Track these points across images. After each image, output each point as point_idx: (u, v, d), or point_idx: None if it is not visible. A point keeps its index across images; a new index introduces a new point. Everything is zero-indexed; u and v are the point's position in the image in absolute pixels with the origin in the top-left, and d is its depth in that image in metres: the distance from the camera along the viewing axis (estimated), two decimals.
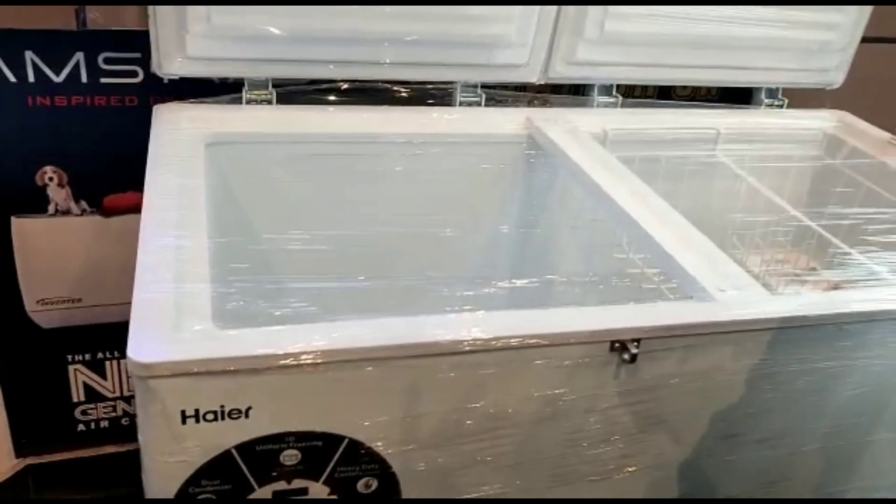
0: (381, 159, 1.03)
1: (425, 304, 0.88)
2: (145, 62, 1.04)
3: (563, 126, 1.09)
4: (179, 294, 0.63)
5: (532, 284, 0.86)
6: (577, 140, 1.06)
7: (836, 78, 1.25)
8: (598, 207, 0.97)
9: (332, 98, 1.06)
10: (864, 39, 1.23)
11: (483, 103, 1.12)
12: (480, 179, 1.09)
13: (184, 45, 0.96)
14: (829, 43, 1.19)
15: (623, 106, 1.19)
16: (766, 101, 1.25)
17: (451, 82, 1.11)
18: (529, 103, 1.15)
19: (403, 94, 1.09)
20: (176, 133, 0.95)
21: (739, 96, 1.29)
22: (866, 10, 1.19)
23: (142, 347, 0.58)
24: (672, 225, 0.87)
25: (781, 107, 1.25)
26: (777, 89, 1.25)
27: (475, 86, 1.12)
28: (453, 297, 0.74)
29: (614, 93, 1.18)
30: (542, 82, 1.13)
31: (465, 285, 0.79)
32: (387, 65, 1.05)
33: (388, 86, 1.08)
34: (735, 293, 0.72)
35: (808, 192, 1.22)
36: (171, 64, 0.98)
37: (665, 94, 1.28)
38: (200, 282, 0.65)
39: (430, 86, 1.10)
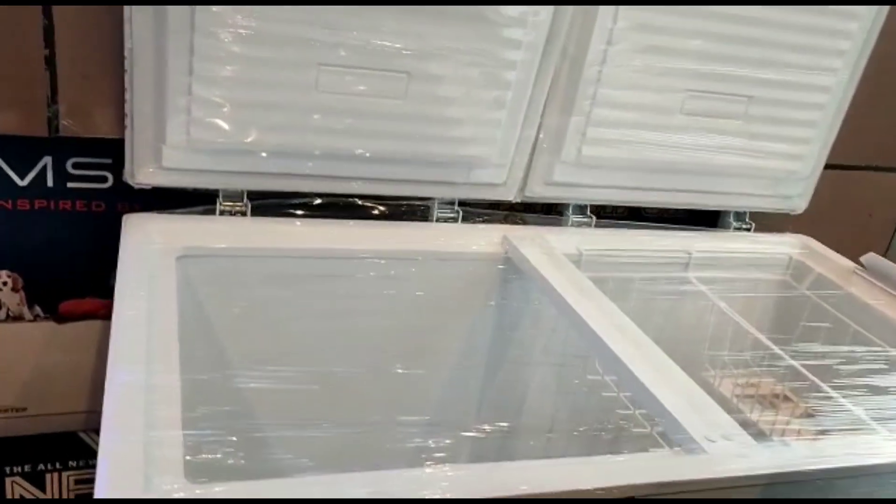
0: (357, 278, 1.00)
1: (395, 448, 0.86)
2: (115, 167, 1.01)
3: (538, 245, 1.08)
4: (150, 443, 0.59)
5: (500, 428, 0.84)
6: (552, 260, 1.05)
7: (800, 204, 1.28)
8: (573, 334, 0.96)
9: (306, 212, 1.04)
10: (827, 166, 1.28)
11: (460, 220, 1.12)
12: (456, 297, 1.08)
13: (159, 155, 0.94)
14: (795, 172, 1.23)
15: (596, 226, 1.19)
16: (735, 223, 1.27)
17: (428, 198, 1.10)
18: (505, 220, 1.15)
19: (380, 210, 1.08)
20: (146, 246, 0.91)
21: (706, 216, 1.32)
22: (830, 139, 1.24)
23: None
24: (652, 359, 0.86)
25: (749, 230, 1.28)
26: (745, 213, 1.28)
27: (452, 202, 1.11)
28: (425, 445, 0.71)
29: (588, 213, 1.19)
30: (518, 201, 1.14)
31: (436, 427, 0.76)
32: (364, 180, 1.04)
33: (365, 201, 1.07)
34: (724, 444, 0.71)
35: (776, 318, 1.23)
36: (144, 174, 0.95)
37: (635, 212, 1.30)
38: (172, 429, 0.61)
39: (406, 202, 1.09)
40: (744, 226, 1.28)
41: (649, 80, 1.07)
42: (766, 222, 1.29)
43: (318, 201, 1.04)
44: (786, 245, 1.26)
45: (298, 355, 0.92)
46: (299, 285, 0.99)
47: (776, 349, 1.10)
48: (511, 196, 1.12)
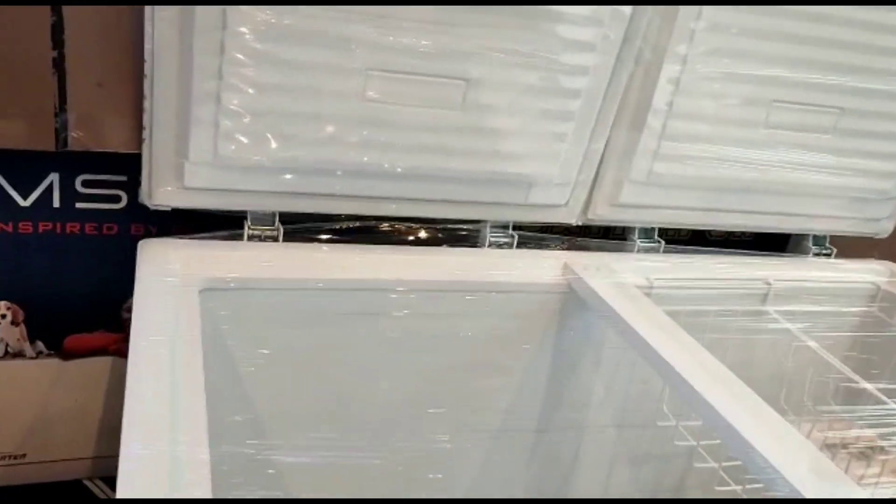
0: (400, 314, 0.88)
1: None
2: (130, 186, 0.90)
3: (605, 275, 0.96)
4: None
5: None
6: (623, 292, 0.93)
7: (887, 227, 1.16)
8: (648, 370, 0.84)
9: (342, 237, 0.92)
10: None
11: (515, 245, 0.99)
12: (511, 335, 0.95)
13: (181, 173, 0.82)
14: (885, 192, 1.10)
15: (664, 251, 1.07)
16: (814, 248, 1.15)
17: (478, 221, 0.98)
18: (564, 246, 1.03)
19: (424, 234, 0.96)
20: (165, 277, 0.79)
21: (775, 239, 1.19)
22: None
23: None
24: (747, 403, 0.74)
25: (829, 255, 1.15)
26: (825, 237, 1.15)
27: (506, 226, 0.99)
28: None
29: (656, 237, 1.07)
30: (581, 223, 1.01)
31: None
32: (409, 201, 0.92)
33: (409, 225, 0.95)
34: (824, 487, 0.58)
35: (865, 355, 1.10)
36: (163, 194, 0.83)
37: (698, 234, 1.17)
38: None
39: (454, 225, 0.97)
40: (824, 251, 1.15)
41: (732, 89, 0.95)
42: (848, 247, 1.16)
43: (357, 224, 0.92)
44: (872, 273, 1.13)
45: (337, 413, 0.81)
46: (338, 324, 0.86)
47: (869, 388, 0.97)
48: (573, 219, 1.00)
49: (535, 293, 0.95)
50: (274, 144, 0.81)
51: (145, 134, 0.80)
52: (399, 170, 0.88)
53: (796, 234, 1.17)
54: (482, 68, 0.84)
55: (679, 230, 1.15)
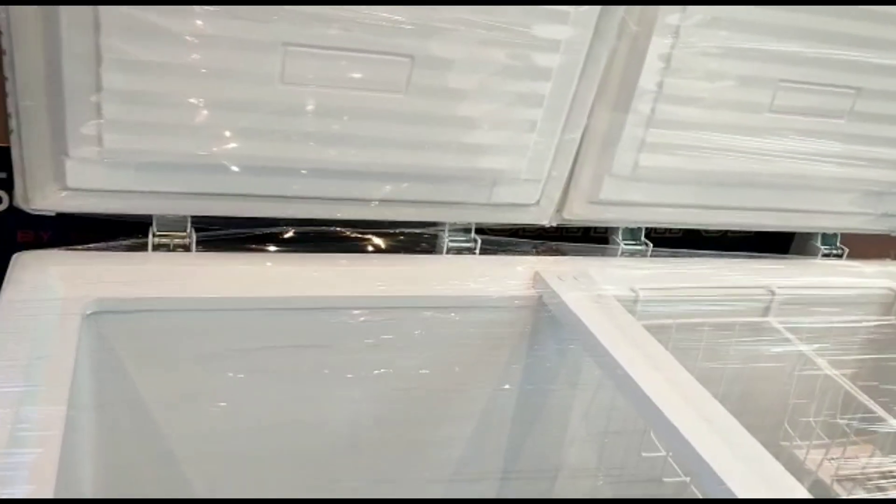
0: (340, 339, 0.74)
1: None
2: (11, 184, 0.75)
3: (582, 285, 0.82)
4: None
5: None
6: (601, 308, 0.79)
7: None
8: (624, 403, 0.70)
9: (273, 246, 0.77)
10: None
11: (478, 251, 0.85)
12: (472, 359, 0.81)
13: (62, 172, 0.67)
14: None
15: (652, 254, 0.93)
16: (823, 248, 1.01)
17: (435, 224, 0.84)
18: (536, 251, 0.89)
19: (373, 243, 0.82)
20: (40, 296, 0.65)
21: (777, 238, 1.05)
22: None
23: None
24: (735, 441, 0.61)
25: (840, 256, 1.01)
26: (835, 235, 1.01)
27: (468, 229, 0.85)
28: None
29: (642, 238, 0.93)
30: (554, 224, 0.87)
31: None
32: (351, 202, 0.78)
33: (351, 231, 0.80)
34: None
35: (881, 373, 0.96)
36: (43, 197, 0.69)
37: (691, 232, 1.03)
38: None
39: (407, 230, 0.83)
40: (834, 251, 1.02)
41: (731, 67, 0.80)
42: (861, 247, 1.03)
43: (290, 233, 0.78)
44: (889, 276, 0.99)
45: (271, 464, 0.67)
46: (267, 352, 0.72)
47: (882, 413, 0.84)
48: (545, 220, 0.86)
49: (499, 308, 0.81)
50: (175, 135, 0.67)
51: (13, 123, 0.65)
52: (333, 165, 0.73)
53: (802, 233, 1.03)
54: (431, 43, 0.69)
55: (670, 229, 1.01)
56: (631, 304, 0.84)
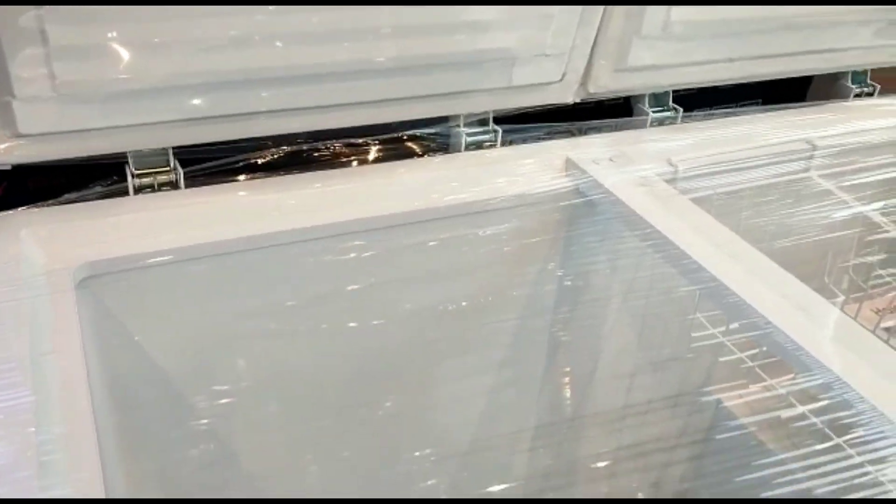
0: (352, 264, 0.65)
1: None
2: None
3: (621, 168, 0.73)
4: None
5: None
6: (645, 190, 0.71)
7: None
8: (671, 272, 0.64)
9: (270, 172, 0.67)
10: None
11: (499, 143, 0.75)
12: (504, 270, 0.74)
13: (11, 118, 0.55)
14: None
15: (683, 119, 0.84)
16: (854, 87, 0.93)
17: (447, 119, 0.74)
18: (558, 135, 0.79)
19: (378, 151, 0.71)
20: (21, 271, 0.55)
21: (791, 85, 0.97)
22: None
23: None
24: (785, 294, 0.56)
25: (871, 94, 0.94)
26: (865, 72, 0.93)
27: (485, 120, 0.74)
28: None
29: (670, 103, 0.84)
30: (579, 99, 0.77)
31: None
32: (349, 107, 0.67)
33: (356, 141, 0.70)
34: None
35: None
36: None
37: (705, 90, 0.94)
38: None
39: (417, 131, 0.72)
40: (865, 89, 0.94)
41: None
42: (891, 83, 0.95)
43: (285, 150, 0.67)
44: None
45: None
46: (284, 288, 0.63)
47: None
48: (569, 97, 0.76)
49: (534, 205, 0.72)
50: (138, 56, 0.54)
51: None
52: (322, 67, 0.62)
53: (823, 77, 0.95)
54: None
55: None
56: (672, 180, 0.77)
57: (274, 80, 0.62)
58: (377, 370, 0.72)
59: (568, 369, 0.86)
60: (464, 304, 0.73)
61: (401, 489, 0.79)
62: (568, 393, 0.89)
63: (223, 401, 0.63)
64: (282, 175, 0.66)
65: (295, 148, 0.67)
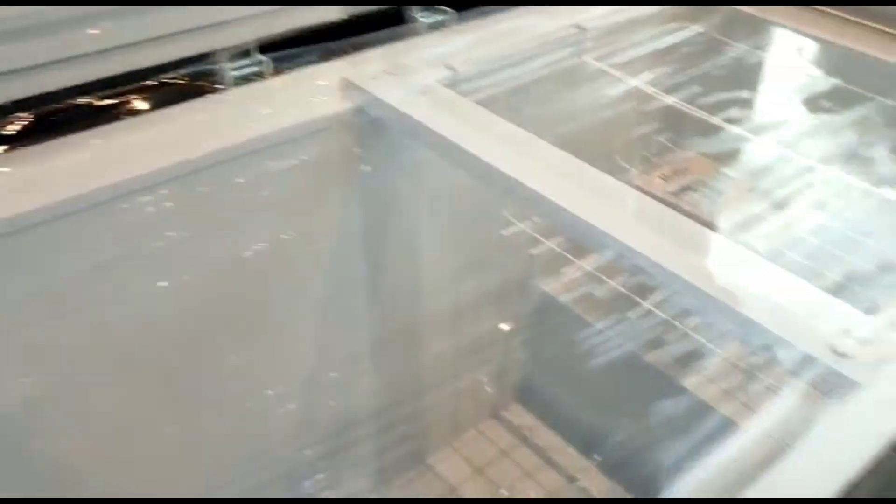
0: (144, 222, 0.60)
1: None
2: None
3: (400, 79, 0.71)
4: None
5: None
6: (428, 98, 0.70)
7: None
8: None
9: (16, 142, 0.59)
10: None
11: (269, 74, 0.71)
12: (305, 206, 0.71)
13: None
14: None
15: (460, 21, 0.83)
16: None
17: (206, 55, 0.68)
18: (342, 53, 0.75)
19: (133, 104, 0.65)
20: None
21: None
22: None
23: None
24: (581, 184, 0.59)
25: None
26: None
27: (246, 52, 0.69)
28: None
29: (441, 4, 0.82)
30: (346, 17, 0.74)
31: None
32: (92, 56, 0.60)
33: (110, 93, 0.63)
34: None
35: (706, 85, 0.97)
36: None
37: None
38: None
39: (179, 75, 0.66)
40: None
41: None
42: None
43: (27, 117, 0.59)
44: None
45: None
46: (55, 267, 0.57)
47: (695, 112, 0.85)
48: (336, 12, 0.72)
49: (318, 132, 0.69)
50: None
51: None
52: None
53: None
54: None
55: None
56: (452, 83, 0.76)
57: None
58: (202, 328, 0.68)
59: (390, 290, 0.86)
60: (273, 244, 0.70)
61: (259, 422, 0.77)
62: (396, 310, 0.88)
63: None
64: (22, 146, 0.58)
65: (36, 112, 0.59)
